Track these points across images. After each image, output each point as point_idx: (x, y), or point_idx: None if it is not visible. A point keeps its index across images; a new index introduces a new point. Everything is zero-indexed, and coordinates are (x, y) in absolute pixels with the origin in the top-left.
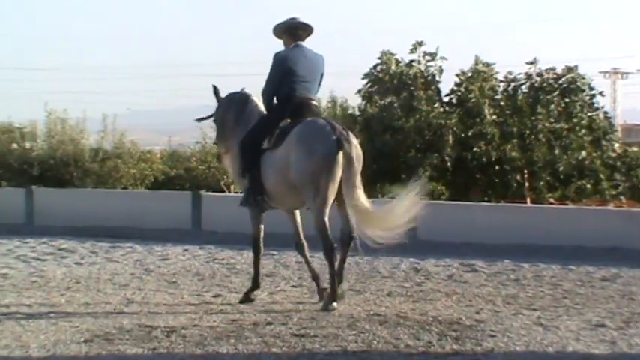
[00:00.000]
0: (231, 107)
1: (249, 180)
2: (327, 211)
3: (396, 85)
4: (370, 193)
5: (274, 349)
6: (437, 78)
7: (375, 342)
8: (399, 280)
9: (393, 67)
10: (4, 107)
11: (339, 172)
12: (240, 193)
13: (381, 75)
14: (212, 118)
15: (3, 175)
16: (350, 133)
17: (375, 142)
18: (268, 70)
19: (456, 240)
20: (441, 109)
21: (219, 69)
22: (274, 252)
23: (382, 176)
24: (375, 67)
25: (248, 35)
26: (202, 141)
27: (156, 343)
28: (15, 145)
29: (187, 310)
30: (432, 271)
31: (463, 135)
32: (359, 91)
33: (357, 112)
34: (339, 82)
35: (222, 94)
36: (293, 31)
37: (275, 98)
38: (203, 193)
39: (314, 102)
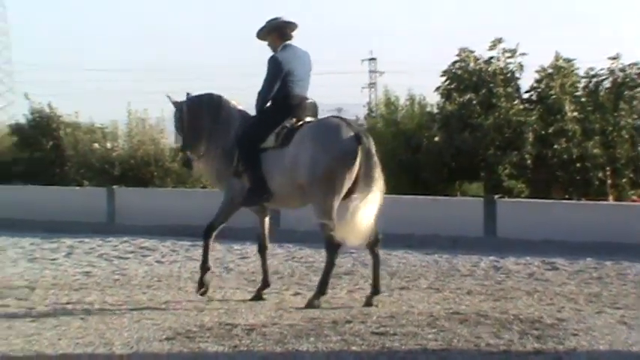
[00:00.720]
0: (201, 111)
1: (251, 179)
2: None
3: (475, 82)
4: (449, 190)
5: (354, 348)
6: (517, 75)
7: (455, 340)
8: (479, 279)
9: (472, 65)
10: (86, 108)
11: (356, 169)
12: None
13: (459, 72)
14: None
15: (85, 174)
16: (365, 130)
17: (453, 140)
18: (265, 72)
19: (536, 238)
20: (521, 106)
21: None
22: (353, 250)
23: (461, 174)
24: (453, 64)
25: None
26: None
27: (236, 341)
28: (96, 145)
29: (267, 309)
30: (513, 270)
31: (543, 132)
32: (437, 89)
33: (436, 110)
34: (417, 80)
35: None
36: (282, 30)
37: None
38: None
39: (311, 101)
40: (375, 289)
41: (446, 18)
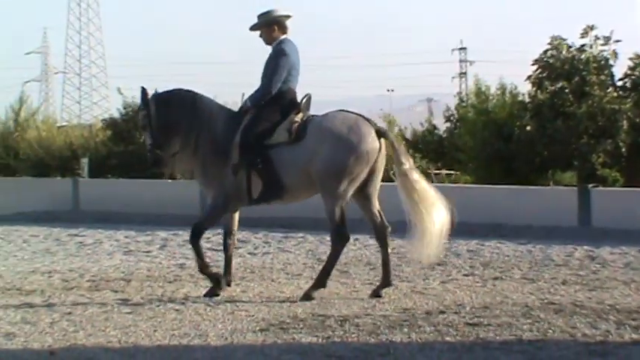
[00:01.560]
0: (171, 107)
1: (265, 176)
2: None
3: (567, 70)
4: (541, 179)
5: (448, 338)
6: (610, 62)
7: (551, 331)
8: (574, 269)
9: (564, 53)
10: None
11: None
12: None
13: (551, 61)
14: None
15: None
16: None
17: (546, 129)
18: (272, 64)
19: (632, 227)
20: (615, 94)
21: (389, 60)
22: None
23: (553, 163)
24: (545, 52)
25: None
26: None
27: (330, 332)
28: None
29: (360, 300)
30: (608, 259)
31: (638, 120)
32: (529, 78)
33: (527, 99)
34: (508, 69)
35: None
36: (283, 23)
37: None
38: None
39: (308, 94)
40: (386, 281)
41: (536, 6)
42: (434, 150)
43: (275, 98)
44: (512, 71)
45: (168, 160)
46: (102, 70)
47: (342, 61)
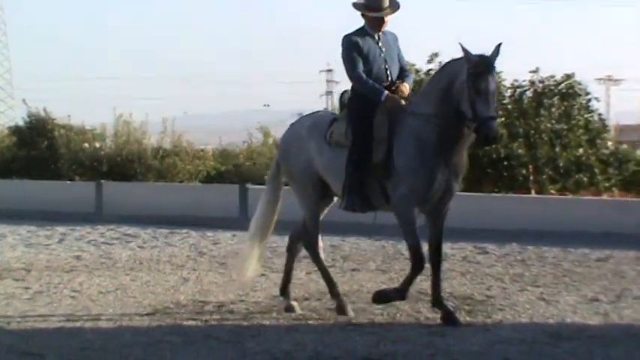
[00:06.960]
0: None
1: None
2: None
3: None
4: None
5: (311, 322)
6: None
7: (399, 315)
8: None
9: (414, 76)
10: (78, 112)
11: None
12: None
13: None
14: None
15: (76, 170)
16: None
17: None
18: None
19: (469, 226)
20: None
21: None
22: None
23: None
24: None
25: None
26: (248, 140)
27: (208, 316)
28: (87, 145)
29: (235, 288)
30: (449, 254)
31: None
32: None
33: None
34: None
35: None
36: None
37: None
38: (249, 185)
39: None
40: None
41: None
42: None
43: None
44: None
45: None
46: (8, 83)
47: (224, 77)
